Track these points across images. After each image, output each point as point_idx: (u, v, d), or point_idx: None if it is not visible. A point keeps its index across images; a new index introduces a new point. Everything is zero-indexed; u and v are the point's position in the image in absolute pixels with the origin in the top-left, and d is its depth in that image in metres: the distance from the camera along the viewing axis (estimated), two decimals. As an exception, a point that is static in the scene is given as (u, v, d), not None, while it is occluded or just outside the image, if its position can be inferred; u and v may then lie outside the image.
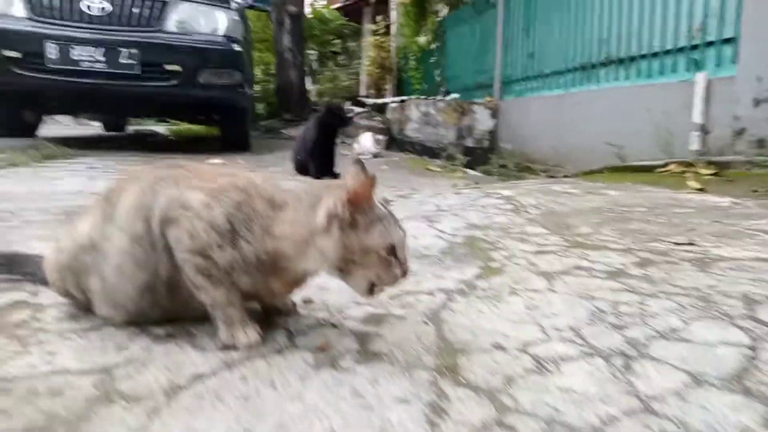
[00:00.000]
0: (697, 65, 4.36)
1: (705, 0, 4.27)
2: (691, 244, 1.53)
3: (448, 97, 7.51)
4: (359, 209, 0.83)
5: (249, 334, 0.89)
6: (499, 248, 1.54)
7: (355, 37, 12.26)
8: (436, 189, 3.09)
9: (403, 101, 7.18)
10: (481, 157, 6.90)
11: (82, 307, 1.01)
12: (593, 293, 1.16)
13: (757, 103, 3.72)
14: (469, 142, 6.98)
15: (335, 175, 3.86)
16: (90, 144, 6.13)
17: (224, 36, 5.17)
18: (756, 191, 2.65)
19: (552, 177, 4.64)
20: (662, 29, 4.70)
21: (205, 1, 5.21)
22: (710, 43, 4.26)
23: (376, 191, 0.86)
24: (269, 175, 0.99)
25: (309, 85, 10.10)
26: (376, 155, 5.37)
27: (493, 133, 7.07)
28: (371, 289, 0.87)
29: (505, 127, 7.04)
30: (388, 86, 10.63)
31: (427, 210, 2.18)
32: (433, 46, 9.33)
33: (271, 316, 1.02)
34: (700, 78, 4.22)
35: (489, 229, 1.79)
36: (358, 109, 7.61)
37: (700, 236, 1.63)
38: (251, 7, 6.76)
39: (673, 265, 1.34)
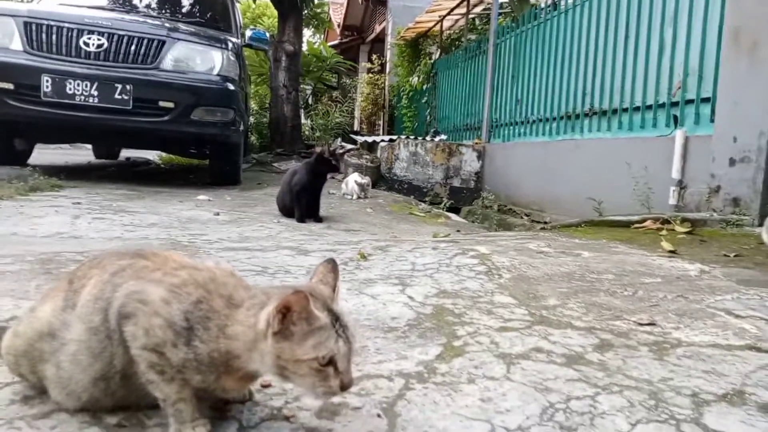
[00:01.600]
0: (677, 122, 4.49)
1: (685, 58, 4.42)
2: (652, 324, 1.57)
3: (437, 138, 7.64)
4: (293, 320, 0.83)
5: (199, 430, 0.90)
6: (465, 323, 1.57)
7: (351, 74, 12.49)
8: (416, 238, 3.12)
9: (392, 140, 7.28)
10: (467, 197, 7.00)
11: (36, 389, 1.02)
12: (549, 384, 1.18)
13: (733, 162, 3.82)
14: (456, 183, 7.08)
15: (319, 219, 3.90)
16: (79, 173, 6.14)
17: (219, 75, 5.27)
18: (726, 256, 2.71)
19: (534, 221, 4.70)
20: (644, 84, 4.86)
21: (203, 41, 5.33)
22: (690, 101, 4.40)
23: (317, 302, 0.86)
24: (229, 268, 1.00)
25: (303, 119, 10.24)
26: (361, 197, 5.42)
27: (479, 174, 7.19)
28: (317, 394, 0.88)
29: (491, 169, 7.17)
30: (381, 123, 10.80)
31: (402, 269, 2.20)
32: (425, 86, 9.54)
33: (228, 404, 1.03)
34: (678, 134, 4.34)
35: (459, 297, 1.82)
36: (348, 146, 7.71)
37: (663, 314, 1.66)
38: (248, 45, 6.91)
39: (631, 350, 1.37)
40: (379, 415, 1.04)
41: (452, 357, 1.32)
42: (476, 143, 7.35)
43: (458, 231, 3.72)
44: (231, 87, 5.32)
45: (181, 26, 5.49)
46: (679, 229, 3.51)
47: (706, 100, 4.22)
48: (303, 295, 0.82)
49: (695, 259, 2.60)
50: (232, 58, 5.46)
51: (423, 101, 9.71)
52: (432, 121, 9.25)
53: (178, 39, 5.15)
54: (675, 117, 4.50)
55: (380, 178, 7.02)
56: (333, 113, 9.98)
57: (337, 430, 0.98)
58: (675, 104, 4.53)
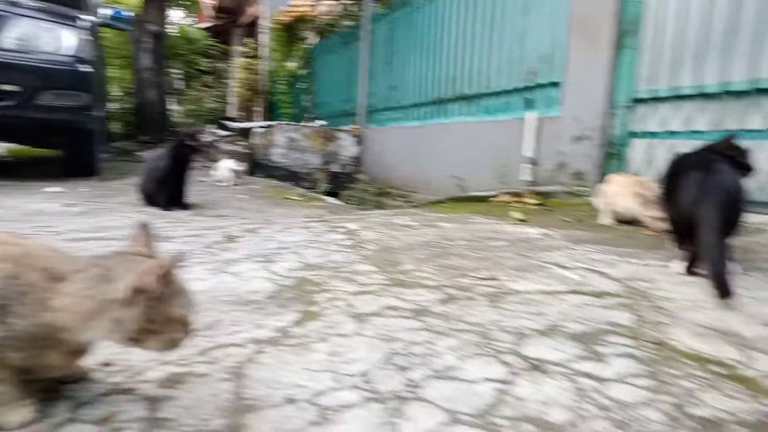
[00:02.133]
0: (530, 105, 4.91)
1: (537, 46, 4.82)
2: (492, 278, 1.74)
3: (315, 123, 7.63)
4: (165, 283, 0.87)
5: (21, 412, 0.85)
6: (324, 290, 1.62)
7: (225, 59, 11.99)
8: (289, 221, 3.12)
9: (269, 126, 7.15)
10: (346, 182, 7.09)
11: None
12: (395, 335, 1.27)
13: (576, 140, 4.27)
14: (335, 168, 7.14)
15: (185, 206, 3.73)
16: None
17: (70, 56, 4.78)
18: (567, 221, 3.04)
19: (409, 202, 4.91)
20: (502, 71, 5.24)
21: (51, 18, 4.80)
22: (541, 86, 4.81)
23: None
24: (51, 243, 0.96)
25: (172, 105, 9.65)
26: (235, 183, 5.27)
27: (358, 159, 7.31)
28: (173, 344, 0.89)
29: (369, 154, 7.32)
30: (258, 109, 10.52)
31: (269, 248, 2.20)
32: (302, 72, 9.44)
33: (63, 384, 0.98)
34: (530, 116, 4.74)
35: (322, 269, 1.87)
36: (221, 133, 7.43)
37: (503, 270, 1.85)
38: (108, 25, 6.35)
39: (471, 301, 1.51)
40: (226, 380, 1.05)
41: (308, 321, 1.37)
42: (354, 129, 7.45)
43: (332, 212, 3.78)
44: (83, 69, 4.85)
45: (26, 1, 4.90)
46: (530, 201, 3.87)
47: (555, 84, 4.66)
48: (170, 261, 0.87)
49: (539, 225, 2.89)
50: (85, 38, 4.98)
51: (300, 87, 9.62)
52: (311, 107, 9.20)
53: (22, 15, 4.59)
54: (529, 100, 4.92)
55: (257, 166, 6.87)
56: (205, 99, 9.53)
57: (180, 397, 0.98)
58: (529, 89, 4.94)
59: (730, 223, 1.57)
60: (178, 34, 10.44)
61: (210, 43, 10.76)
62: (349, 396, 0.98)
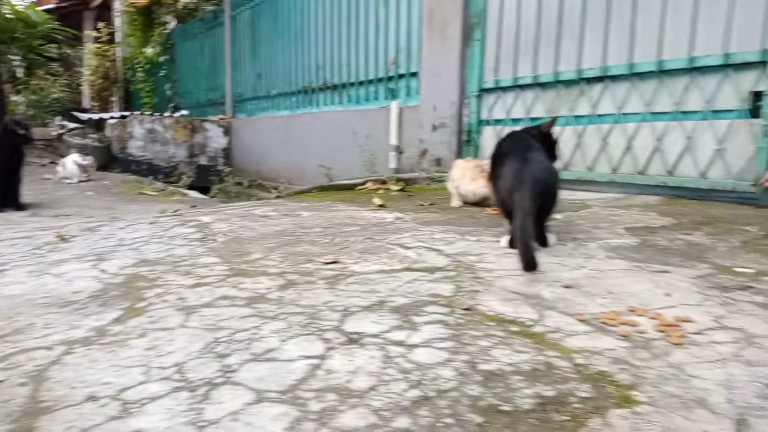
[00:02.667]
0: (393, 94, 5.06)
1: (396, 38, 4.97)
2: (335, 262, 1.78)
3: (177, 114, 7.22)
4: None
5: None
6: (156, 285, 1.55)
7: (74, 44, 10.87)
8: (138, 217, 2.94)
9: (124, 117, 6.63)
10: (216, 175, 6.82)
11: None
12: (222, 324, 1.26)
13: (435, 128, 4.49)
14: (203, 161, 6.84)
15: (21, 206, 3.36)
16: None
17: None
18: (422, 205, 3.20)
19: (278, 196, 4.85)
20: (366, 61, 5.33)
21: None
22: (402, 76, 4.98)
23: None
24: None
25: (10, 96, 8.57)
26: (82, 180, 4.83)
27: (227, 151, 7.06)
28: None
29: (239, 145, 7.10)
30: (114, 99, 9.70)
31: (105, 246, 2.06)
32: (162, 58, 8.86)
33: None
34: (393, 106, 4.89)
35: (159, 264, 1.79)
36: (70, 126, 6.75)
37: (349, 253, 1.91)
38: None
39: (310, 285, 1.54)
40: (23, 384, 0.97)
41: (130, 318, 1.30)
42: (221, 119, 7.17)
43: (193, 206, 3.62)
44: None
45: None
46: (393, 187, 4.01)
47: (414, 74, 4.84)
48: None
49: (396, 209, 3.01)
50: None
51: (162, 75, 9.03)
52: (173, 96, 8.68)
53: None
54: (392, 90, 5.08)
55: (114, 160, 6.35)
56: (51, 88, 8.57)
57: (-40, 408, 0.89)
58: (392, 78, 5.09)
59: (543, 206, 1.78)
60: (12, 16, 9.26)
61: (54, 26, 9.67)
62: (156, 388, 0.96)
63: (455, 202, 3.14)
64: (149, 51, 8.88)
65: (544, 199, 1.80)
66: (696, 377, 0.96)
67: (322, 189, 4.10)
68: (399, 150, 4.89)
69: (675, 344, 1.10)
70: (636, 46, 3.16)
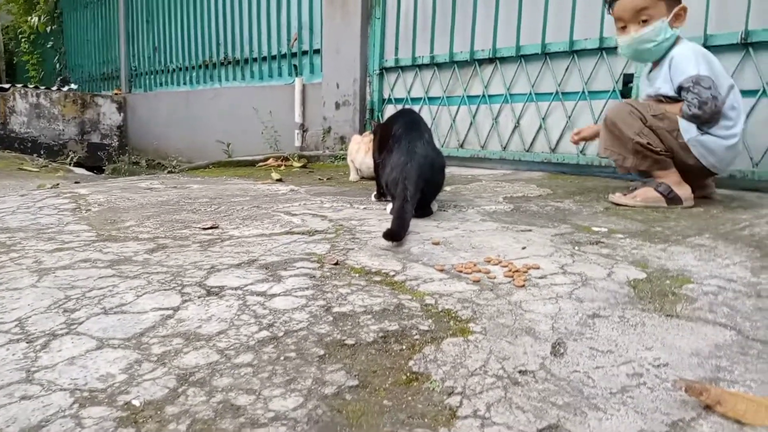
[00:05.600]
0: (297, 71, 4.99)
1: (299, 13, 4.89)
2: (214, 227, 1.75)
3: (65, 88, 6.69)
4: None
5: None
6: (13, 251, 1.45)
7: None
8: (7, 192, 2.71)
9: (4, 89, 6.04)
10: (111, 153, 6.42)
11: None
12: (83, 283, 1.20)
13: (338, 106, 4.49)
14: (95, 138, 6.40)
15: None
16: None
17: None
18: (321, 180, 3.21)
19: (170, 171, 4.65)
20: (269, 36, 5.21)
21: None
22: (305, 52, 4.92)
23: None
24: None
25: None
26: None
27: (122, 128, 6.66)
28: None
29: (135, 122, 6.71)
30: (-5, 71, 8.80)
31: (-40, 216, 1.89)
32: (49, 28, 8.14)
33: None
34: (297, 83, 4.83)
35: (21, 231, 1.67)
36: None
37: (231, 220, 1.88)
38: None
39: (182, 248, 1.51)
40: None
41: (-27, 281, 1.21)
42: (116, 93, 6.73)
43: (77, 182, 3.38)
44: None
45: None
46: (295, 164, 3.99)
47: (318, 51, 4.80)
48: None
49: (294, 183, 3.00)
50: None
51: (49, 46, 8.30)
52: (63, 69, 8.02)
53: None
54: (295, 66, 5.01)
55: (-9, 136, 5.79)
56: None
57: None
58: (296, 55, 5.02)
59: (427, 187, 1.83)
60: None
61: None
62: (-12, 342, 0.91)
63: (353, 176, 3.18)
64: (34, 20, 8.11)
65: (428, 188, 1.86)
66: (529, 311, 1.06)
67: (220, 165, 4.00)
68: (304, 128, 4.85)
69: (518, 286, 1.20)
70: (522, 30, 3.34)
